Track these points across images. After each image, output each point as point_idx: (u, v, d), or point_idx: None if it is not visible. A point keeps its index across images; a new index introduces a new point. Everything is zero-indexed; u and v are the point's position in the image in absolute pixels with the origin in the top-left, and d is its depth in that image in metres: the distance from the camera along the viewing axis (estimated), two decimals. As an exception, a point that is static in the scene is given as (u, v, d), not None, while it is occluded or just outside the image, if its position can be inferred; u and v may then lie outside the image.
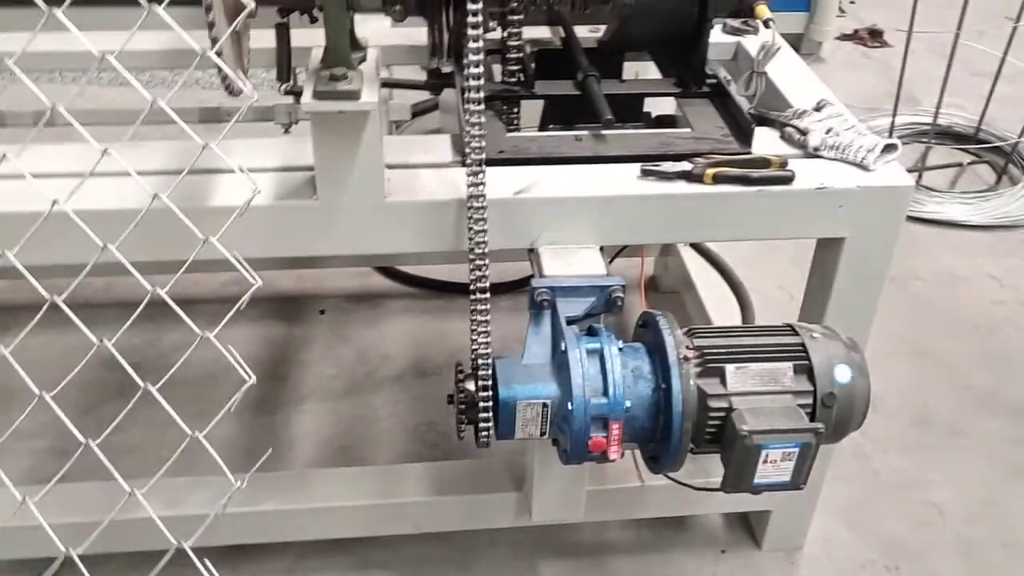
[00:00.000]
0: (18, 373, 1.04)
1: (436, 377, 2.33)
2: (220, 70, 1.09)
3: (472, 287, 1.30)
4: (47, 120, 1.05)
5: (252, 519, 1.72)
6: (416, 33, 1.78)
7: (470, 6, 1.10)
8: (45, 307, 1.06)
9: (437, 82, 1.69)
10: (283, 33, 1.55)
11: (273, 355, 2.38)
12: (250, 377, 0.95)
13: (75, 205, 1.05)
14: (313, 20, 1.68)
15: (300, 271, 2.61)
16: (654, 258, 2.68)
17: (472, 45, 1.14)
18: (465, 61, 1.17)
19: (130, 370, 1.03)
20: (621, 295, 1.36)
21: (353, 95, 1.17)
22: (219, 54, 1.01)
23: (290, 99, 1.64)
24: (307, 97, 1.17)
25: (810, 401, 1.29)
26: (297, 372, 2.34)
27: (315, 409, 2.22)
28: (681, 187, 1.40)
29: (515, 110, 1.65)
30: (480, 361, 1.31)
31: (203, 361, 1.08)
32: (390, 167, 1.38)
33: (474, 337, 1.33)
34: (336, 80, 1.17)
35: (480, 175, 1.24)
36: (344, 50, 1.19)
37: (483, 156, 1.22)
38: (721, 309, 2.33)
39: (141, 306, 1.03)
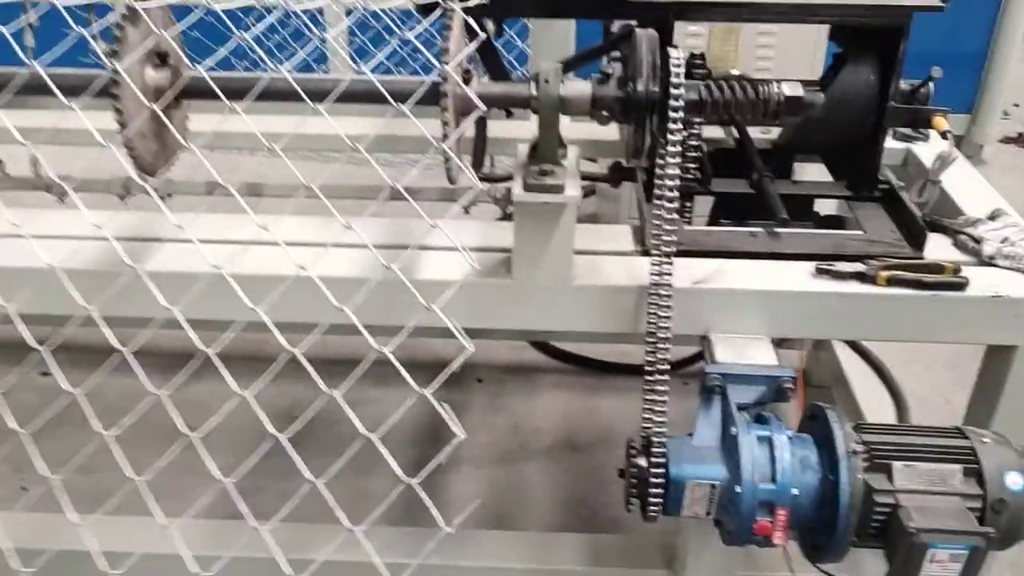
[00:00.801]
0: (205, 418, 1.17)
1: (586, 452, 2.41)
2: (446, 159, 1.24)
3: (650, 368, 1.39)
4: (286, 193, 1.21)
5: (419, 571, 1.82)
6: (597, 129, 1.93)
7: (671, 115, 1.22)
8: (285, 359, 1.20)
9: (618, 175, 1.81)
10: (482, 125, 1.71)
11: (433, 419, 2.50)
12: (461, 433, 1.07)
13: (317, 272, 1.21)
14: (509, 115, 1.85)
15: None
16: (805, 351, 2.70)
17: (671, 149, 1.26)
18: (662, 161, 1.29)
19: (269, 425, 1.14)
20: (791, 386, 1.42)
21: (558, 189, 1.30)
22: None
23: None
24: (518, 189, 1.31)
25: (979, 505, 1.31)
26: (454, 437, 2.46)
27: (470, 474, 2.33)
28: (855, 287, 1.46)
29: (688, 204, 1.75)
30: (655, 439, 1.39)
31: (363, 418, 1.20)
32: (577, 252, 1.50)
33: (648, 416, 1.42)
34: (544, 175, 1.30)
35: (667, 264, 1.34)
36: (552, 148, 1.33)
37: (673, 248, 1.32)
38: (874, 407, 2.33)
39: (367, 363, 1.17)
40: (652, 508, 1.39)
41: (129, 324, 1.31)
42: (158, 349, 2.01)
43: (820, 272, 1.49)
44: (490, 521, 2.18)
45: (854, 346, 2.44)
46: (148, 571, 1.30)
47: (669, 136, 1.26)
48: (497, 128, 1.80)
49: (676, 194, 1.30)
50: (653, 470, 1.38)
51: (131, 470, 1.24)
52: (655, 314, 1.38)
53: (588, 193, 2.82)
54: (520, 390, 2.65)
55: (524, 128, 1.80)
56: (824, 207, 1.82)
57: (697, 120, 1.63)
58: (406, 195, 1.16)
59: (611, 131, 2.06)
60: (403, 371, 1.14)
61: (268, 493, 1.20)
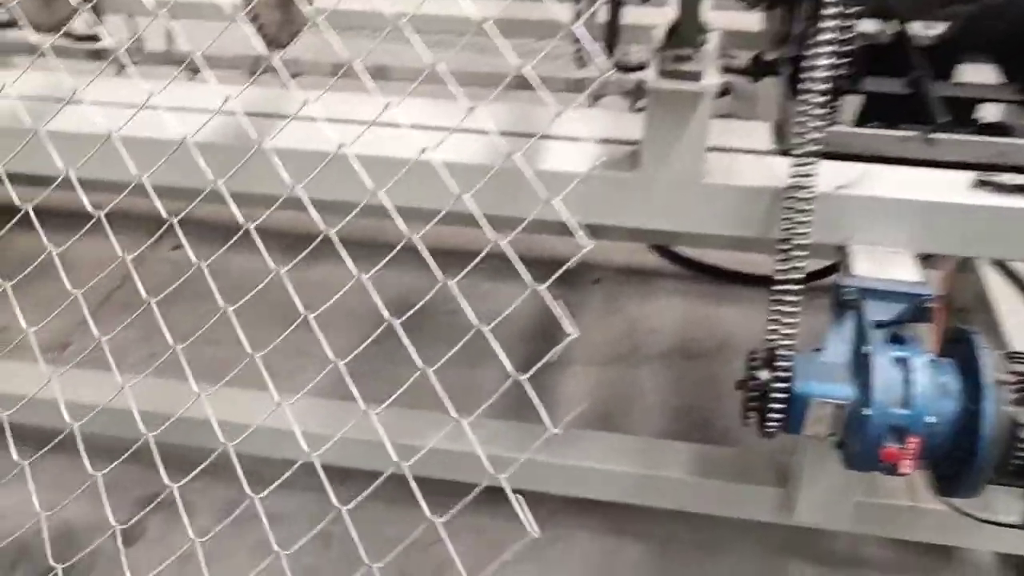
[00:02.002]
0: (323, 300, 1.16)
1: (702, 361, 2.34)
2: (577, 44, 1.16)
3: (782, 277, 1.30)
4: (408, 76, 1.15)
5: (522, 467, 1.82)
6: (737, 18, 1.80)
7: (829, -2, 1.10)
8: (401, 244, 1.18)
9: (759, 69, 1.68)
10: (616, 9, 1.61)
11: (546, 316, 2.48)
12: (574, 331, 1.02)
13: (438, 156, 1.16)
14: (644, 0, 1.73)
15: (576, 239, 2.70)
16: (948, 271, 2.52)
17: (823, 37, 1.14)
18: (811, 51, 1.17)
19: (383, 309, 1.11)
20: (934, 306, 1.31)
21: (695, 76, 1.20)
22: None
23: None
24: (651, 75, 1.22)
25: None
26: (567, 336, 2.43)
27: (581, 374, 2.31)
28: (1019, 202, 1.32)
29: (836, 103, 1.62)
30: (781, 352, 1.31)
31: (476, 310, 1.16)
32: (709, 149, 1.40)
33: (774, 327, 1.34)
34: (681, 61, 1.21)
35: (810, 165, 1.23)
36: (692, 32, 1.23)
37: (817, 148, 1.22)
38: (1020, 338, 2.16)
39: (482, 254, 1.13)
40: (771, 424, 1.33)
41: (255, 203, 1.31)
42: (280, 229, 2.04)
43: (980, 184, 1.35)
44: (598, 422, 2.16)
45: (1004, 268, 2.25)
46: (260, 444, 1.34)
47: (822, 22, 1.14)
48: (632, 15, 1.69)
49: (825, 86, 1.19)
50: (776, 384, 1.31)
51: (249, 346, 1.26)
52: (791, 219, 1.28)
53: (723, 92, 2.66)
54: (638, 293, 2.59)
55: (660, 15, 1.68)
56: (988, 114, 1.65)
57: (854, 7, 1.48)
58: (532, 80, 1.09)
59: (753, 21, 1.92)
60: (519, 264, 1.09)
61: (379, 378, 1.20)
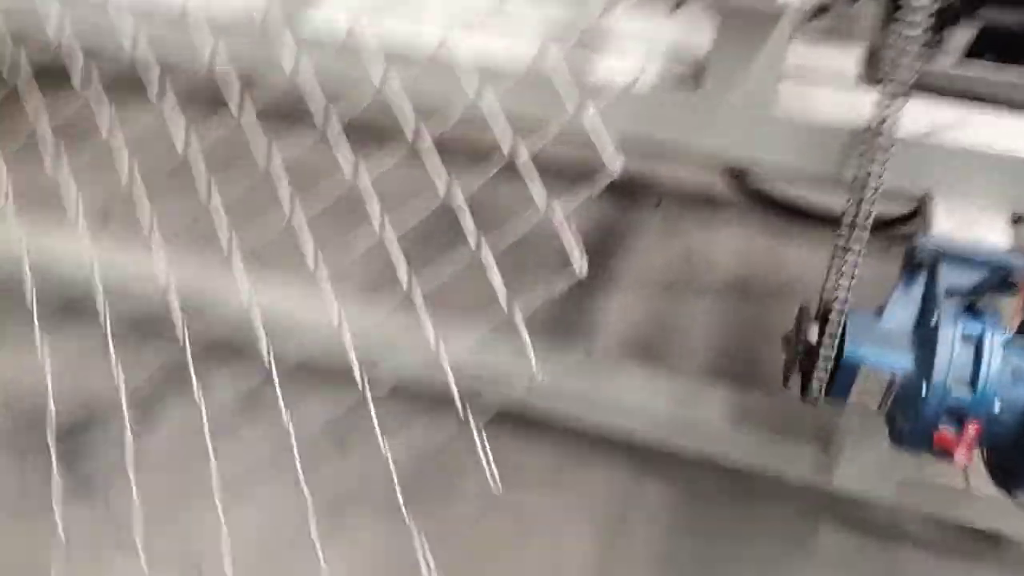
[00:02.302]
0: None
1: (758, 300, 2.19)
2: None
3: (848, 221, 1.15)
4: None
5: (549, 388, 1.73)
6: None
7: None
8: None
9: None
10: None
11: (601, 236, 2.35)
12: (579, 269, 0.91)
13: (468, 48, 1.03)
14: None
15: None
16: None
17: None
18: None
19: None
20: (1021, 278, 1.15)
21: (776, -13, 1.04)
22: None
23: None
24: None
25: None
26: (620, 258, 2.30)
27: (628, 299, 2.18)
28: None
29: (941, 34, 1.42)
30: (834, 308, 1.17)
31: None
32: (786, 75, 1.23)
33: (833, 279, 1.19)
34: (762, -34, 1.04)
35: (899, 102, 1.06)
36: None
37: (910, 83, 1.04)
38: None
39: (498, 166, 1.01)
40: (814, 387, 1.20)
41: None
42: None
43: (1101, 142, 1.17)
44: (638, 351, 2.05)
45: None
46: (294, 336, 1.27)
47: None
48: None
49: (929, 12, 1.01)
50: (825, 344, 1.17)
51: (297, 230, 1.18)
52: (869, 161, 1.12)
53: (819, 9, 2.42)
54: (701, 221, 2.43)
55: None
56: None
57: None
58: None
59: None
60: (534, 178, 0.96)
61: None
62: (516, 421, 1.84)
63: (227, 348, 1.71)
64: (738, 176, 2.50)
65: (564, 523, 1.77)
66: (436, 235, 1.10)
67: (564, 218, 0.93)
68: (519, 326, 0.96)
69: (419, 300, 1.05)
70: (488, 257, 0.97)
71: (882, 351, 1.15)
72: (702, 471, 1.79)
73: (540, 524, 1.76)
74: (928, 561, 1.71)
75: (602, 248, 2.32)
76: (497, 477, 1.00)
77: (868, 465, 1.49)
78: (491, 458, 1.00)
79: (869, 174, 1.12)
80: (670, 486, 1.81)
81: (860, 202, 1.14)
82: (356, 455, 1.89)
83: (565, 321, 2.09)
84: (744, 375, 2.00)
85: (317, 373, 1.56)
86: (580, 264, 0.88)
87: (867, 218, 1.14)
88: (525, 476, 1.83)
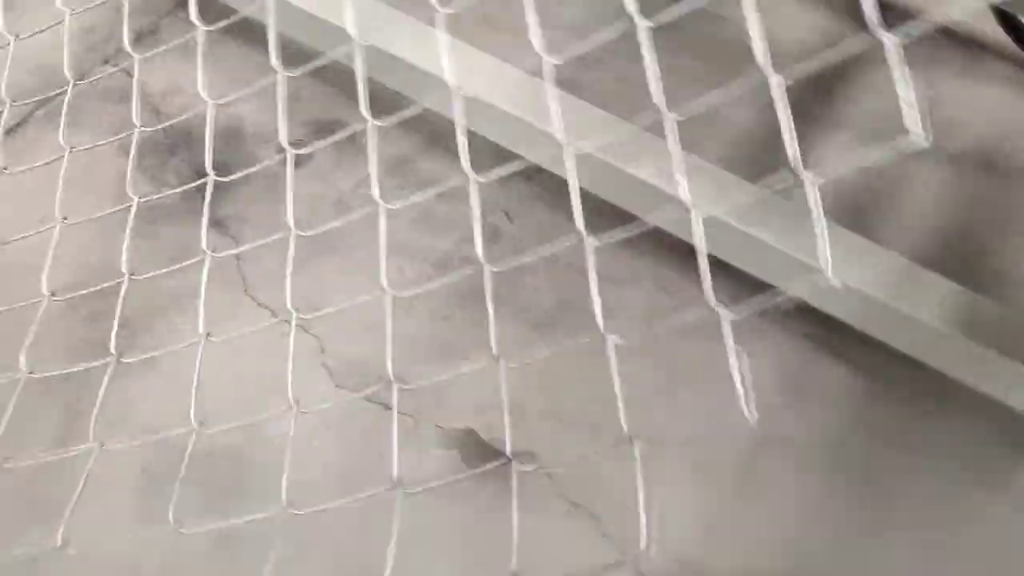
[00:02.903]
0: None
1: (1004, 179, 1.82)
2: None
3: None
4: None
5: (737, 237, 1.48)
6: None
7: None
8: None
9: None
10: None
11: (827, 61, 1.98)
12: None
13: None
14: None
15: None
16: None
17: None
18: None
19: None
20: None
21: None
22: None
23: None
24: None
25: None
26: (845, 95, 1.94)
27: (845, 147, 1.85)
28: None
29: None
30: None
31: None
32: None
33: None
34: None
35: None
36: None
37: None
38: None
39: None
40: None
41: None
42: None
43: None
44: (847, 214, 1.74)
45: None
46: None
47: None
48: None
49: None
50: None
51: None
52: None
53: None
54: (957, 69, 2.01)
55: None
56: None
57: None
58: None
59: None
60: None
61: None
62: (686, 258, 1.61)
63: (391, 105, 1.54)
64: (1014, 23, 2.04)
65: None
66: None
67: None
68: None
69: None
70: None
71: None
72: (892, 359, 1.53)
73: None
74: None
75: (826, 75, 1.96)
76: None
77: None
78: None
79: None
80: (854, 368, 1.57)
81: None
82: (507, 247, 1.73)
83: (760, 159, 1.80)
84: (967, 266, 1.69)
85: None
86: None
87: None
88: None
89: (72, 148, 1.62)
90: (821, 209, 0.76)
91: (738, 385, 0.72)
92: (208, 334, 1.36)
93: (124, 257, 1.43)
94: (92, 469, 1.41)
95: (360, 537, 1.39)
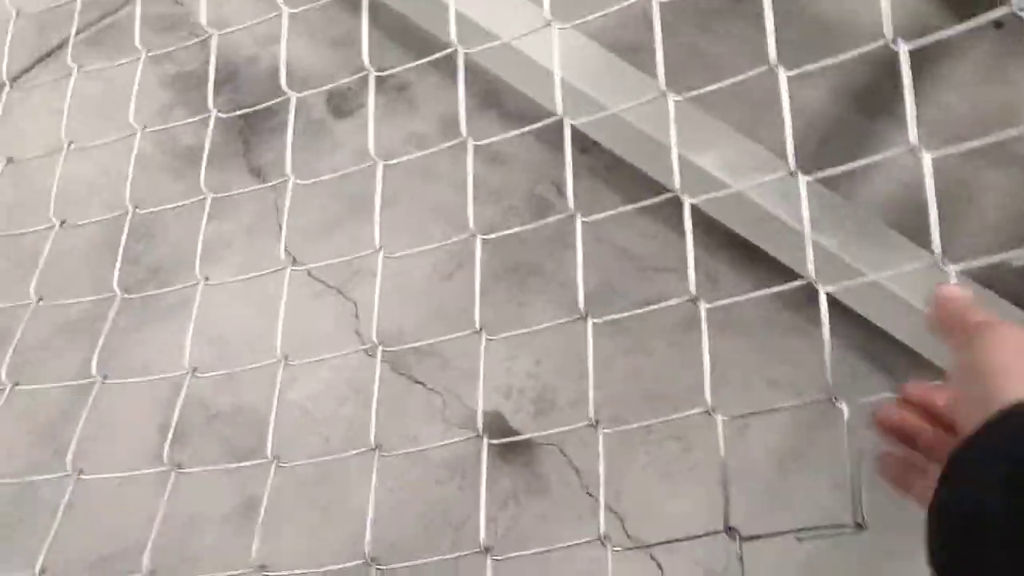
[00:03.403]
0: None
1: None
2: None
3: None
4: None
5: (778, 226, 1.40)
6: None
7: None
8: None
9: None
10: None
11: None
12: None
13: None
14: None
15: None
16: None
17: None
18: None
19: None
20: None
21: None
22: None
23: None
24: None
25: None
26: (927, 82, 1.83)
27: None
28: None
29: None
30: None
31: None
32: None
33: None
34: None
35: None
36: None
37: None
38: None
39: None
40: None
41: None
42: None
43: None
44: (909, 221, 1.65)
45: None
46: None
47: None
48: None
49: None
50: None
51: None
52: None
53: None
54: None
55: None
56: None
57: None
58: None
59: None
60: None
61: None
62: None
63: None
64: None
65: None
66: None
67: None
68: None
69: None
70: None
71: None
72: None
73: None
74: None
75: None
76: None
77: None
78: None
79: None
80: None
81: None
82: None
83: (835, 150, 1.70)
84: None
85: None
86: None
87: None
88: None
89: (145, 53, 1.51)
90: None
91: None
92: (207, 277, 1.30)
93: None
94: (109, 423, 1.39)
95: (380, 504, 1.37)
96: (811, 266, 0.62)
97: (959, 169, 1.73)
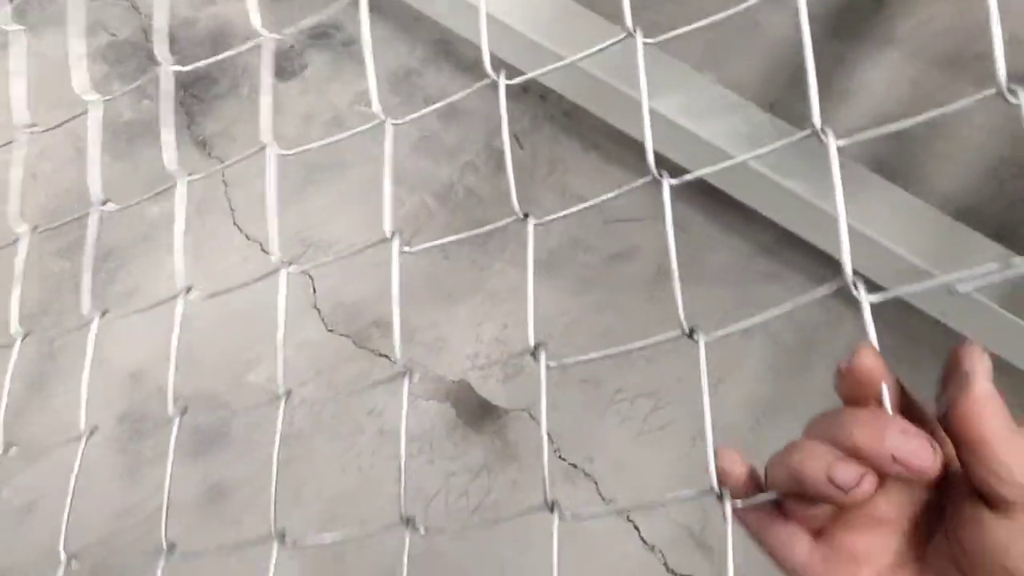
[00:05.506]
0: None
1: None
2: None
3: None
4: None
5: (765, 184, 1.35)
6: None
7: None
8: None
9: None
10: None
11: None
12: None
13: None
14: None
15: None
16: None
17: None
18: None
19: None
20: None
21: None
22: None
23: None
24: None
25: None
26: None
27: (897, 67, 1.67)
28: None
29: None
30: None
31: None
32: None
33: None
34: None
35: None
36: None
37: None
38: None
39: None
40: None
41: None
42: None
43: None
44: (885, 164, 1.58)
45: None
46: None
47: None
48: None
49: None
50: None
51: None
52: None
53: None
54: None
55: None
56: None
57: None
58: None
59: None
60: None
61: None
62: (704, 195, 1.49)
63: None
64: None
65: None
66: None
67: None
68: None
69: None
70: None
71: None
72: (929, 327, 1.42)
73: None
74: None
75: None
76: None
77: None
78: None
79: None
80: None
81: None
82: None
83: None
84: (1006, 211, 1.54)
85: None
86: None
87: None
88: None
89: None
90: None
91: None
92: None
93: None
94: (67, 419, 1.34)
95: (353, 486, 1.34)
96: (848, 268, 0.46)
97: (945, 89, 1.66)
